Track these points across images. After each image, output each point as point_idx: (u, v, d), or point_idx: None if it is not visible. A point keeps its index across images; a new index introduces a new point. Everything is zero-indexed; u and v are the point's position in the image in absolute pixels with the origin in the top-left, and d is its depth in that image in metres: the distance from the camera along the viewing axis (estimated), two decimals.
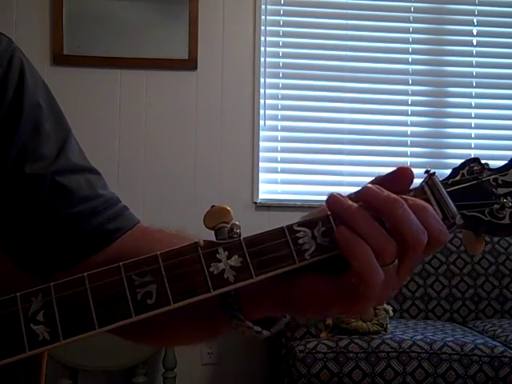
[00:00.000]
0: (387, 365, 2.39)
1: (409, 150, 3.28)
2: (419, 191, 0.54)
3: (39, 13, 3.01)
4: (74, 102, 2.95)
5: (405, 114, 3.30)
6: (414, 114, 3.31)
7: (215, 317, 0.59)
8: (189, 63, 3.08)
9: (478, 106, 3.32)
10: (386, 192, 0.51)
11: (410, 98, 3.29)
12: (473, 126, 3.33)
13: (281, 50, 3.21)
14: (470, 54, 3.32)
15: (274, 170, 3.20)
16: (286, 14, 3.21)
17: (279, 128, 3.21)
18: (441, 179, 0.56)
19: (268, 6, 3.17)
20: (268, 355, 2.97)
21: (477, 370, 2.40)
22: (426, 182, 0.55)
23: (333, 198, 0.52)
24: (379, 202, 0.51)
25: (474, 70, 3.32)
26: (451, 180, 0.56)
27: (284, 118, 3.21)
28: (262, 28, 3.15)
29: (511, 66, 3.34)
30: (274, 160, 3.20)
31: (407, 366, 2.39)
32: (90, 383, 2.96)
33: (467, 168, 0.57)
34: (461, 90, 3.32)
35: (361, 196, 0.52)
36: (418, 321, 2.87)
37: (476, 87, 3.31)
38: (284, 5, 3.20)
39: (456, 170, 0.58)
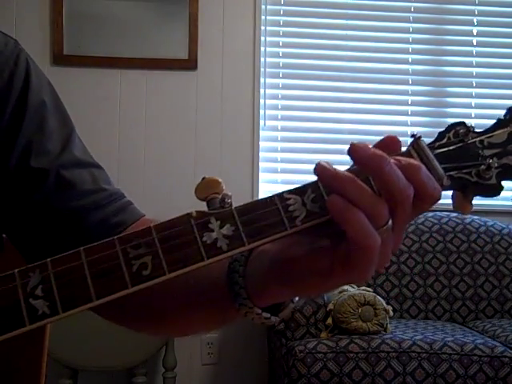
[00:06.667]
0: (387, 365, 2.38)
1: None
2: (406, 155, 0.55)
3: (39, 13, 3.01)
4: (74, 101, 2.94)
5: (405, 114, 3.30)
6: (413, 114, 3.31)
7: (224, 304, 0.61)
8: (189, 63, 3.08)
9: (478, 106, 3.32)
10: (373, 149, 0.52)
11: (410, 98, 3.29)
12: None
13: (281, 50, 3.21)
14: (470, 54, 3.32)
15: (274, 170, 3.20)
16: (286, 14, 3.21)
17: (279, 128, 3.21)
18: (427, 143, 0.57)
19: (268, 6, 3.16)
20: (268, 355, 2.97)
21: (477, 369, 2.40)
22: (412, 145, 0.56)
23: (319, 167, 0.54)
24: (366, 158, 0.52)
25: (474, 70, 3.32)
26: (437, 143, 0.58)
27: (284, 118, 3.21)
28: (262, 28, 3.15)
29: (511, 66, 3.34)
30: (274, 160, 3.20)
31: (407, 366, 2.39)
32: (89, 383, 2.96)
33: (453, 131, 0.58)
34: (461, 90, 3.32)
35: (348, 152, 0.53)
36: (418, 321, 2.87)
37: (476, 87, 3.31)
38: (284, 5, 3.20)
39: (442, 134, 0.59)
